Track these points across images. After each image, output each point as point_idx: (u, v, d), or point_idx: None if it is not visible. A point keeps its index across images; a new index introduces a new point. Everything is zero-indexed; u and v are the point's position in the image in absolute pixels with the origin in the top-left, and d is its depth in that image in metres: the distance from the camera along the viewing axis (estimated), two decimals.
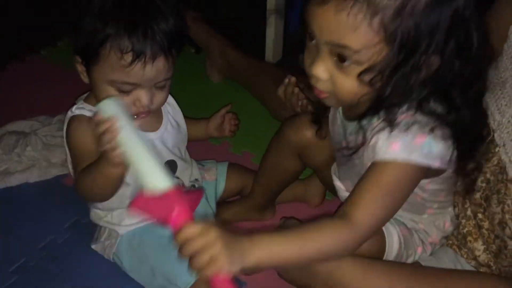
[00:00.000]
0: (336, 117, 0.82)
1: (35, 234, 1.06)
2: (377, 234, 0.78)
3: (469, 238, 0.83)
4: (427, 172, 0.70)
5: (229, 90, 1.46)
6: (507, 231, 0.74)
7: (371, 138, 0.69)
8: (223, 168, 1.09)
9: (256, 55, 1.46)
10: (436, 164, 0.67)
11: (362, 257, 0.75)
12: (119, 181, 0.80)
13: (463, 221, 0.84)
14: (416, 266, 0.82)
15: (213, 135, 1.06)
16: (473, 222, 0.81)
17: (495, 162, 0.77)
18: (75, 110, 0.84)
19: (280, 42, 1.56)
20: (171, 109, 0.95)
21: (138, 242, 0.92)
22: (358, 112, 0.71)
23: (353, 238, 0.68)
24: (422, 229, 0.84)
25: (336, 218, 0.69)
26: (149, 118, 0.88)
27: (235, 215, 1.09)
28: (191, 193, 0.67)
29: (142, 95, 0.79)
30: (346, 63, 0.63)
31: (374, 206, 0.69)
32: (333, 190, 0.99)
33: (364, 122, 0.71)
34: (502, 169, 0.75)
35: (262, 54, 1.55)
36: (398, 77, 0.62)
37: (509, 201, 0.72)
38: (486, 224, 0.78)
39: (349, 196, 0.72)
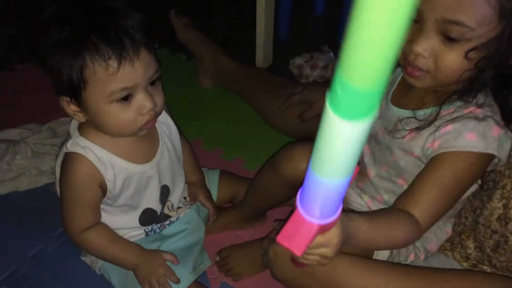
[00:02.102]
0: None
1: (25, 242, 1.05)
2: None
3: (462, 236, 0.84)
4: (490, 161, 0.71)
5: (220, 97, 1.46)
6: (510, 226, 0.74)
7: (443, 126, 0.69)
8: (214, 177, 1.08)
9: (246, 61, 1.47)
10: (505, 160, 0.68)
11: (359, 256, 0.75)
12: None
13: (457, 219, 0.85)
14: (412, 265, 0.82)
15: (189, 181, 1.02)
16: (470, 218, 0.82)
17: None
18: (70, 147, 0.80)
19: (270, 48, 1.57)
20: (167, 129, 0.92)
21: None
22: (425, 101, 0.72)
23: (418, 236, 0.71)
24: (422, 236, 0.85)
25: (406, 216, 0.70)
26: (146, 144, 0.86)
27: (225, 226, 1.09)
28: None
29: (144, 99, 0.75)
30: (454, 40, 0.62)
31: (439, 206, 0.70)
32: None
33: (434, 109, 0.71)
34: (511, 165, 0.75)
35: (252, 60, 1.56)
36: (503, 57, 0.63)
37: None
38: (481, 220, 0.79)
39: (412, 188, 0.72)
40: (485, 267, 0.82)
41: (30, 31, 0.76)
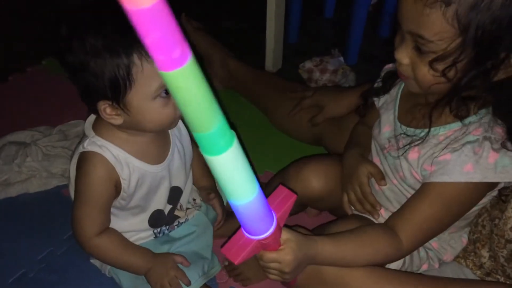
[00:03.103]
0: (390, 118, 0.82)
1: (34, 245, 1.05)
2: None
3: (477, 244, 0.83)
4: (494, 186, 0.72)
5: (229, 99, 1.46)
6: None
7: (443, 152, 0.70)
8: None
9: (256, 64, 1.47)
10: None
11: (372, 266, 0.75)
12: None
13: (473, 227, 0.84)
14: (426, 275, 0.82)
15: (200, 186, 1.03)
16: (488, 228, 0.81)
17: None
18: (88, 146, 0.80)
19: (280, 51, 1.56)
20: (178, 131, 0.93)
21: None
22: (420, 118, 0.74)
23: (399, 256, 0.75)
24: (436, 248, 0.84)
25: (388, 234, 0.73)
26: (158, 145, 0.87)
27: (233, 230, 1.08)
28: (280, 202, 0.62)
29: None
30: (422, 51, 0.65)
31: (426, 232, 0.73)
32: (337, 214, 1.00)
33: (433, 130, 0.72)
34: None
35: (262, 63, 1.56)
36: (475, 72, 0.64)
37: None
38: (496, 229, 0.78)
39: (404, 209, 0.74)
40: (498, 277, 0.80)
41: (59, 42, 0.75)
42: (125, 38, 0.70)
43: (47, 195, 1.16)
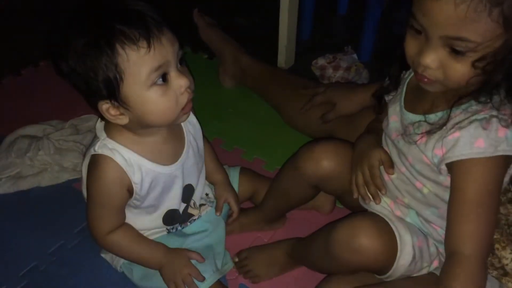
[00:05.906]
0: (396, 108, 0.82)
1: (45, 238, 1.06)
2: (386, 245, 0.77)
3: (497, 245, 0.81)
4: (509, 164, 0.70)
5: (241, 96, 1.45)
6: None
7: (451, 131, 0.69)
8: (235, 173, 1.07)
9: (268, 61, 1.46)
10: None
11: None
12: None
13: None
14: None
15: (212, 181, 1.03)
16: (506, 228, 0.79)
17: None
18: (98, 149, 0.79)
19: (293, 48, 1.55)
20: (192, 128, 0.92)
21: None
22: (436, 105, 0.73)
23: (476, 273, 0.69)
24: None
25: (451, 264, 0.69)
26: (173, 144, 0.86)
27: (244, 227, 1.08)
28: None
29: (178, 77, 0.75)
30: (461, 53, 0.63)
31: (479, 225, 0.69)
32: (349, 206, 0.98)
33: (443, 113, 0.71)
34: None
35: (274, 60, 1.55)
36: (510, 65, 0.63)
37: None
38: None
39: (448, 225, 0.71)
40: None
41: (53, 51, 0.75)
42: (103, 29, 0.70)
43: (59, 189, 1.17)
